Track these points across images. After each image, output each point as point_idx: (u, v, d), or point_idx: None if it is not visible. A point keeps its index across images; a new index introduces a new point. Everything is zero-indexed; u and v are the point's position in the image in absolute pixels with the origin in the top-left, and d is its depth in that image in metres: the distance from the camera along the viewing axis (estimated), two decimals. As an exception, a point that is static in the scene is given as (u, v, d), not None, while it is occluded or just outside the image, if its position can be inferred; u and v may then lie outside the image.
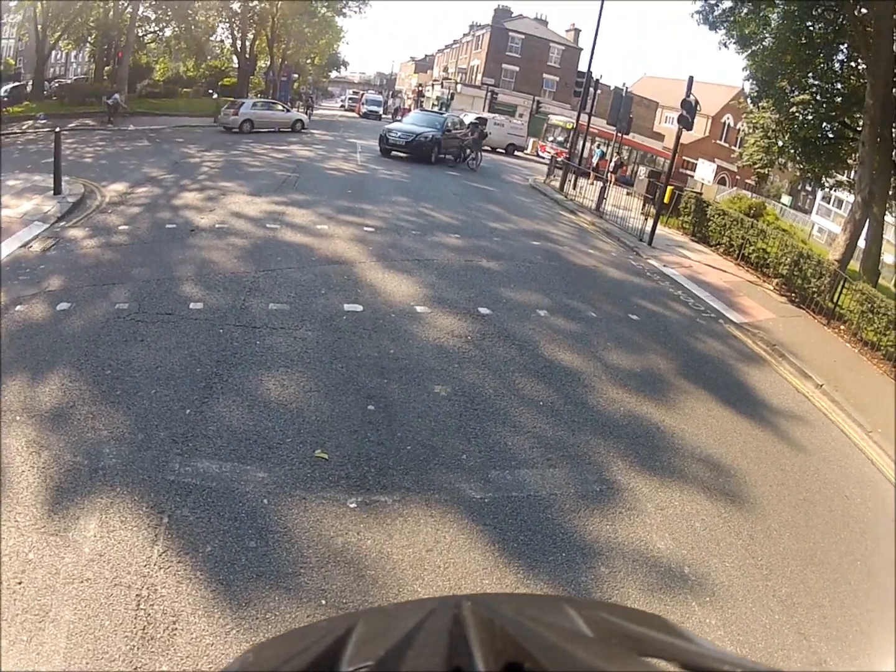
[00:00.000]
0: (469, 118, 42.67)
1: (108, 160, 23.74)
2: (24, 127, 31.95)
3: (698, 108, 23.68)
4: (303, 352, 9.46)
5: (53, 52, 50.67)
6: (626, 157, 47.98)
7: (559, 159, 38.79)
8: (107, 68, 50.45)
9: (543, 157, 51.09)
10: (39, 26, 45.47)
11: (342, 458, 7.28)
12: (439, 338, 10.64)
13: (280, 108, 45.51)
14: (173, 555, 5.68)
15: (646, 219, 23.82)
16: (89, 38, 52.45)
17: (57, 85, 48.00)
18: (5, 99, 36.23)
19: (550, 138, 53.95)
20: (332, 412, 8.11)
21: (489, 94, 70.45)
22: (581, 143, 35.27)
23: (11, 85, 42.16)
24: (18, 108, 36.50)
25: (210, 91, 57.41)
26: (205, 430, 7.39)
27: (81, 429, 7.19)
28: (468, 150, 35.21)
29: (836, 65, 24.98)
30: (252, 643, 4.83)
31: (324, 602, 5.46)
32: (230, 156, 27.05)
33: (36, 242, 13.18)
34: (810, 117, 25.44)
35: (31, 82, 44.97)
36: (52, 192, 16.84)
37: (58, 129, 17.75)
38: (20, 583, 5.17)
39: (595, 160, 36.43)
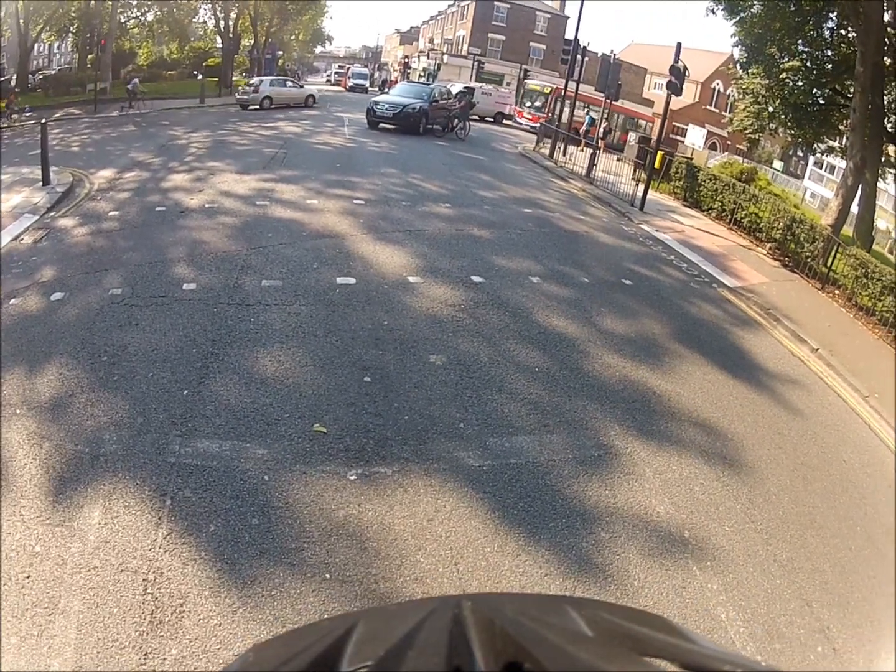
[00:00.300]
0: (456, 88, 42.28)
1: (95, 147, 23.68)
2: (10, 120, 31.78)
3: (687, 74, 23.59)
4: (297, 327, 9.48)
5: (36, 45, 50.45)
6: (614, 124, 47.65)
7: (541, 125, 38.78)
8: (90, 56, 50.11)
9: (521, 123, 51.29)
10: (21, 21, 45.25)
11: (340, 431, 7.31)
12: (433, 307, 10.64)
13: (292, 84, 47.18)
14: (178, 537, 5.72)
15: (637, 184, 23.76)
16: (72, 29, 52.18)
17: (41, 77, 47.79)
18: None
19: (528, 104, 53.13)
20: (329, 385, 8.15)
21: (476, 63, 70.02)
22: (570, 109, 35.00)
23: (-6, 80, 41.96)
24: (2, 103, 36.31)
25: (195, 73, 56.94)
26: (203, 410, 7.43)
27: (81, 417, 7.22)
28: (456, 120, 34.98)
29: (826, 32, 24.72)
30: (255, 640, 4.87)
31: (328, 576, 5.50)
32: (217, 136, 26.96)
33: (27, 235, 13.16)
34: (801, 83, 25.22)
35: (14, 76, 44.72)
36: (40, 183, 16.80)
37: (43, 121, 17.72)
38: (28, 577, 5.21)
39: (585, 127, 36.27)
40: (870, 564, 7.29)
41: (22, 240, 12.87)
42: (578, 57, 32.20)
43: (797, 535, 7.37)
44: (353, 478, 6.65)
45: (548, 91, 49.66)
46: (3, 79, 43.43)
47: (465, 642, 0.72)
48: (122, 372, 8.07)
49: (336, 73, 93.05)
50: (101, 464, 6.52)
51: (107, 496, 6.11)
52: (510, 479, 7.01)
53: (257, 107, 40.48)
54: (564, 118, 41.15)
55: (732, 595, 6.22)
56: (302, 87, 48.71)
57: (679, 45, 22.70)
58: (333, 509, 6.23)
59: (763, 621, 6.02)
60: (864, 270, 16.30)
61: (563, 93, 34.37)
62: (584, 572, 6.08)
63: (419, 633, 0.76)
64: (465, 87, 44.03)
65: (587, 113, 39.99)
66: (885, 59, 20.78)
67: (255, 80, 44.76)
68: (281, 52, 78.46)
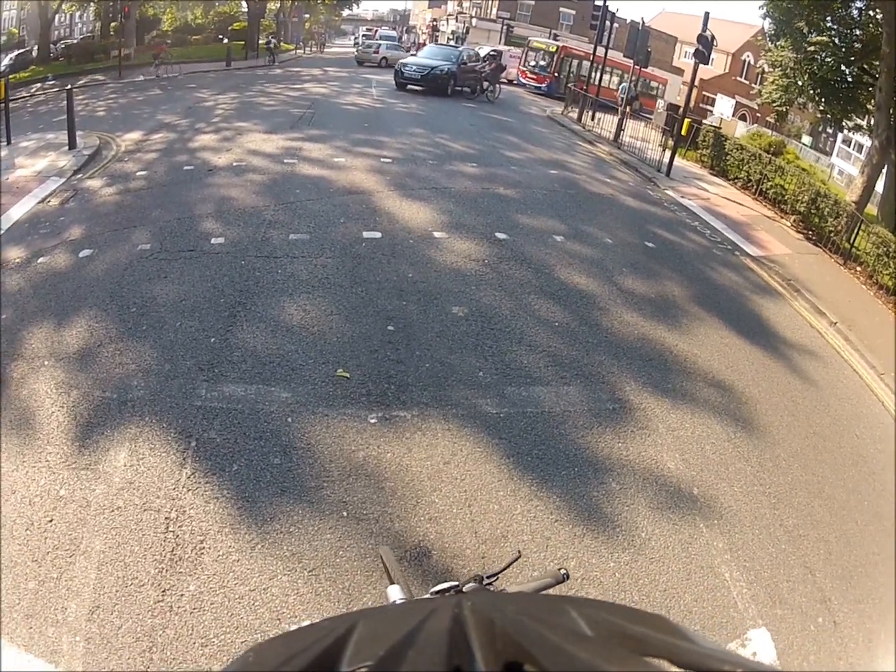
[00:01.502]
0: (484, 51, 41.80)
1: (121, 111, 23.50)
2: (32, 90, 31.66)
3: (715, 44, 23.26)
4: (323, 278, 9.57)
5: (57, 16, 50.16)
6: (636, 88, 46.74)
7: (543, 86, 38.45)
8: (113, 24, 49.82)
9: (528, 85, 49.01)
10: (41, -7, 45.04)
11: (363, 377, 7.45)
12: (457, 262, 10.70)
13: (405, 49, 52.67)
14: (201, 476, 5.86)
15: (664, 150, 23.56)
16: (92, -2, 51.96)
17: (63, 46, 47.58)
18: (6, 70, 35.73)
19: (532, 63, 49.89)
20: (353, 333, 8.26)
21: (505, 27, 69.30)
22: (598, 75, 34.54)
23: (16, 52, 41.65)
24: (25, 73, 36.13)
25: (220, 37, 56.65)
26: (230, 356, 7.57)
27: (109, 365, 7.36)
28: (486, 83, 34.66)
29: (854, 12, 24.36)
30: (270, 576, 5.01)
31: (345, 514, 5.62)
32: (244, 97, 26.80)
33: (53, 197, 13.20)
34: (829, 60, 24.68)
35: (36, 47, 44.52)
36: (66, 147, 16.79)
37: (69, 87, 17.66)
38: (51, 520, 5.34)
39: (621, 95, 35.71)
40: (875, 541, 7.29)
41: (49, 202, 12.91)
42: (607, 23, 31.94)
43: (805, 502, 7.39)
44: (373, 421, 6.78)
45: (554, 49, 47.89)
46: (23, 50, 43.35)
47: (465, 642, 0.74)
48: (150, 322, 8.19)
49: (364, 35, 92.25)
50: (128, 409, 6.66)
51: (133, 439, 6.25)
52: (526, 428, 7.11)
53: (375, 65, 48.40)
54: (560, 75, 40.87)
55: (737, 555, 6.28)
56: (408, 50, 53.36)
57: (707, 14, 22.40)
58: (353, 451, 6.36)
59: (766, 585, 6.07)
60: (885, 249, 16.12)
61: (603, 61, 33.56)
62: (594, 521, 6.16)
63: (419, 633, 0.78)
64: (493, 51, 43.47)
65: (624, 82, 39.25)
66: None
67: (374, 42, 54.30)
68: (308, 15, 78.00)
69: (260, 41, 55.19)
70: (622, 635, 0.79)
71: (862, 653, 5.91)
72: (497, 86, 34.96)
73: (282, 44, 61.30)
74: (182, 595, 4.79)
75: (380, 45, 51.00)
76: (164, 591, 4.80)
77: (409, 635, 0.77)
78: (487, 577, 2.63)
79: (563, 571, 2.69)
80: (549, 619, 0.81)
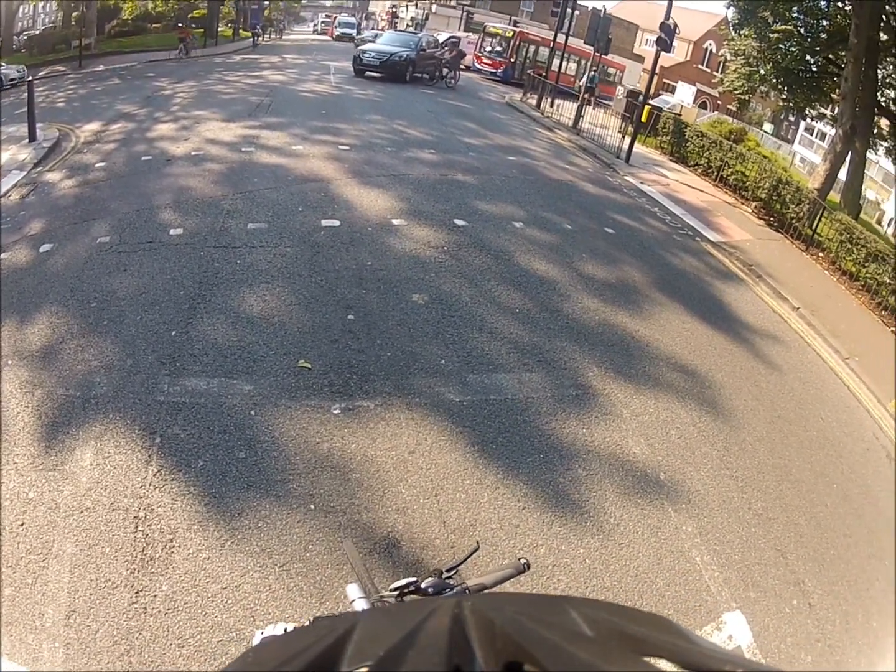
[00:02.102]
0: (443, 38, 41.69)
1: (81, 102, 23.27)
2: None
3: (677, 32, 23.33)
4: (282, 267, 9.56)
5: (21, 7, 49.71)
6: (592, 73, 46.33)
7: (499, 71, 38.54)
8: (74, 14, 49.43)
9: (484, 71, 48.65)
10: (5, -16, 44.53)
11: (325, 367, 7.46)
12: (416, 249, 10.72)
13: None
14: (167, 473, 5.85)
15: (623, 137, 23.68)
16: (56, -13, 51.41)
17: (25, 38, 47.12)
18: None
19: (488, 48, 49.94)
20: (314, 323, 8.27)
21: (465, 14, 69.16)
22: (559, 62, 34.50)
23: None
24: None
25: (180, 24, 56.18)
26: (191, 349, 7.55)
27: (71, 362, 7.31)
28: (445, 69, 34.61)
29: (822, 3, 24.50)
30: (241, 573, 5.03)
31: (312, 507, 5.66)
32: (203, 86, 26.57)
33: (14, 191, 13.08)
34: (794, 49, 24.82)
35: (0, 40, 44.09)
36: (27, 140, 16.66)
37: (30, 79, 17.66)
38: (22, 524, 5.31)
39: (587, 84, 35.54)
40: (846, 523, 7.42)
41: (9, 196, 12.80)
42: (568, 10, 31.92)
43: (773, 485, 7.50)
44: (336, 412, 6.80)
45: (510, 35, 47.56)
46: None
47: (465, 642, 0.73)
48: (111, 316, 8.14)
49: (323, 22, 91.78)
50: (91, 407, 6.63)
51: (98, 438, 6.22)
52: (489, 415, 7.16)
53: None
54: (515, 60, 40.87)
55: (707, 539, 6.38)
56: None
57: (670, 2, 22.47)
58: (318, 442, 6.38)
59: (738, 568, 6.16)
60: (849, 236, 16.34)
61: (563, 47, 33.62)
62: (561, 507, 6.23)
63: (419, 633, 0.77)
64: (451, 37, 43.35)
65: (592, 71, 38.99)
66: (881, 34, 20.68)
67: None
68: (267, 3, 77.50)
69: (219, 28, 54.93)
70: (622, 635, 0.79)
71: (859, 651, 6.00)
72: (456, 72, 34.85)
73: (241, 31, 60.97)
74: (155, 596, 4.80)
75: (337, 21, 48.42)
76: (137, 593, 4.81)
77: (409, 635, 0.77)
78: (447, 571, 2.67)
79: (523, 561, 2.72)
80: (548, 619, 0.81)
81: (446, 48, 35.27)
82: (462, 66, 36.43)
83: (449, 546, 5.52)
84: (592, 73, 34.63)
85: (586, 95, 28.84)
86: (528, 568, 2.72)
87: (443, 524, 5.73)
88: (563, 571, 5.59)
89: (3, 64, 31.37)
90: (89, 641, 4.47)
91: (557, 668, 0.66)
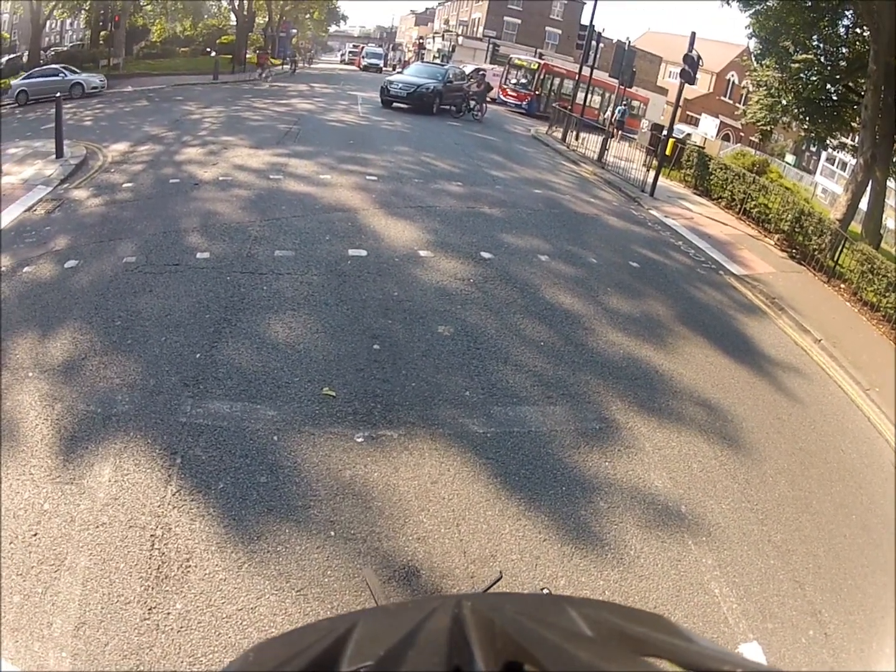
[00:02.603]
0: (468, 70, 41.77)
1: (109, 122, 23.53)
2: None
3: (701, 64, 23.42)
4: (309, 295, 9.54)
5: (49, 22, 50.09)
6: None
7: (524, 104, 38.73)
8: (103, 33, 49.81)
9: (507, 102, 48.27)
10: (34, -1, 45.00)
11: (349, 395, 7.41)
12: (442, 280, 10.69)
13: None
14: (186, 494, 5.82)
15: (647, 170, 23.58)
16: (84, 6, 51.78)
17: (53, 53, 47.50)
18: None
19: (514, 81, 49.30)
20: (339, 352, 8.24)
21: (491, 46, 69.48)
22: (584, 94, 34.56)
23: (7, 57, 41.67)
24: (15, 79, 36.22)
25: (208, 49, 56.50)
26: (215, 372, 7.53)
27: (93, 379, 7.32)
28: (472, 102, 34.46)
29: (841, 30, 24.48)
30: (258, 595, 4.98)
31: (332, 533, 5.60)
32: (231, 111, 26.77)
33: (40, 205, 13.21)
34: (814, 78, 24.80)
35: (27, 53, 44.44)
36: (53, 156, 16.79)
37: (58, 95, 17.72)
38: (35, 535, 5.30)
39: (618, 117, 35.51)
40: (864, 553, 7.33)
41: (35, 210, 12.93)
42: (593, 43, 32.01)
43: (793, 517, 7.41)
44: (360, 440, 6.75)
45: (535, 67, 47.17)
46: (14, 55, 43.28)
47: (465, 642, 0.73)
48: (135, 336, 8.16)
49: (350, 52, 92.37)
50: (112, 424, 6.62)
51: (118, 454, 6.21)
52: (513, 447, 7.10)
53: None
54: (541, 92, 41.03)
55: (727, 571, 6.29)
56: (62, 75, 49.72)
57: (693, 34, 22.56)
58: (340, 469, 6.33)
59: (756, 600, 6.08)
60: (870, 266, 16.18)
61: (589, 80, 33.57)
62: (582, 539, 6.15)
63: (419, 633, 0.77)
64: (477, 69, 43.46)
65: (622, 104, 38.86)
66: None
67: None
68: (295, 31, 78.11)
69: (248, 55, 55.46)
70: (622, 635, 0.78)
71: (859, 651, 5.98)
72: (484, 105, 34.79)
73: (270, 59, 61.69)
74: (169, 613, 4.75)
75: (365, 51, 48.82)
76: (150, 609, 4.76)
77: (409, 635, 0.76)
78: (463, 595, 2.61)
79: (545, 591, 2.67)
80: (548, 619, 0.81)
81: (473, 80, 35.28)
82: (488, 99, 36.46)
83: (469, 576, 5.46)
84: (623, 106, 34.68)
85: (615, 129, 28.91)
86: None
87: (463, 554, 5.67)
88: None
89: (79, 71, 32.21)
90: (97, 654, 4.44)
91: (557, 668, 0.66)
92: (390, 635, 0.77)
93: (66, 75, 33.73)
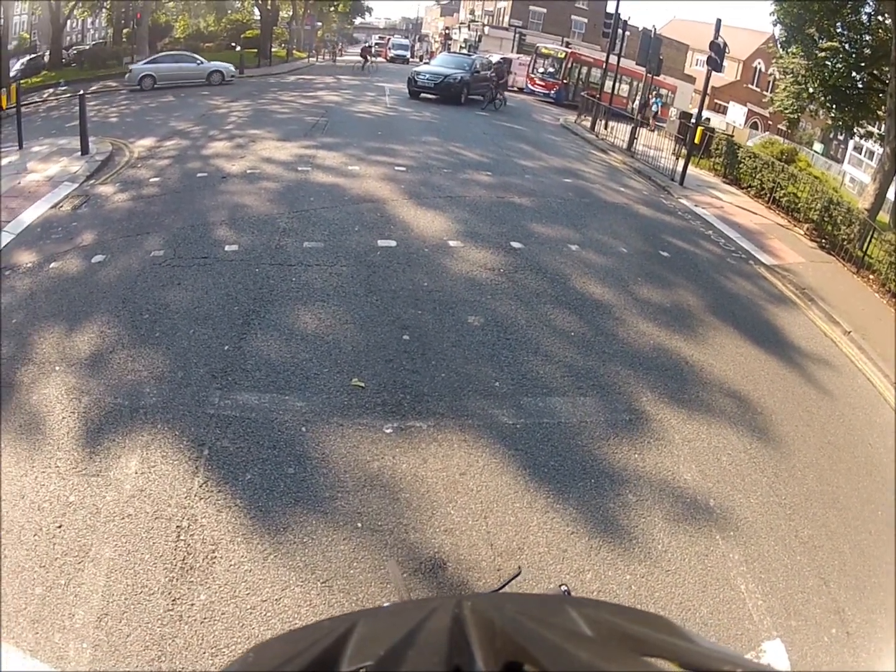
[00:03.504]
0: (495, 59, 41.75)
1: (134, 118, 23.68)
2: (44, 95, 31.75)
3: (727, 51, 23.33)
4: (338, 286, 9.56)
5: (69, 22, 50.30)
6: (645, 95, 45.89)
7: (552, 93, 38.76)
8: (125, 31, 50.02)
9: (535, 92, 48.19)
10: (53, -1, 45.17)
11: (378, 386, 7.41)
12: (472, 271, 10.67)
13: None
14: (213, 485, 5.83)
15: (677, 159, 23.57)
16: (105, 4, 51.98)
17: (75, 52, 47.75)
18: (17, 74, 35.92)
19: (541, 70, 49.10)
20: (368, 342, 8.24)
21: (517, 35, 69.39)
22: (612, 83, 34.45)
23: (28, 57, 41.89)
24: (37, 79, 36.27)
25: (233, 44, 56.72)
26: (243, 364, 7.56)
27: (121, 372, 7.35)
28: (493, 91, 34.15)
29: (864, 17, 24.35)
30: (283, 587, 4.98)
31: (359, 525, 5.59)
32: (257, 105, 26.84)
33: (66, 202, 13.27)
34: (840, 66, 24.72)
35: (48, 53, 44.66)
36: (79, 152, 16.87)
37: (82, 92, 17.76)
38: (60, 526, 5.33)
39: (655, 109, 35.44)
40: (888, 550, 7.22)
41: (61, 206, 12.98)
42: (619, 31, 31.92)
43: (820, 513, 7.34)
44: (388, 431, 6.74)
45: (562, 55, 47.16)
46: (35, 55, 43.50)
47: (465, 642, 0.74)
48: (163, 329, 8.19)
49: (376, 44, 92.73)
50: (139, 416, 6.64)
51: (145, 447, 6.23)
52: (542, 438, 7.06)
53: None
54: (569, 82, 41.10)
55: (753, 567, 6.24)
56: (197, 63, 50.68)
57: (719, 20, 22.45)
58: (368, 461, 6.32)
59: (781, 596, 6.02)
60: (898, 256, 16.00)
61: (616, 68, 33.57)
62: (610, 533, 6.12)
63: (419, 633, 0.78)
64: (502, 58, 43.40)
65: (656, 96, 38.74)
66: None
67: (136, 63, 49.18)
68: (320, 24, 78.29)
69: (273, 49, 55.57)
70: (622, 635, 0.79)
71: (880, 654, 5.91)
72: (501, 93, 34.53)
73: (294, 51, 61.82)
74: (193, 604, 4.76)
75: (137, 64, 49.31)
76: (174, 600, 4.77)
77: (409, 635, 0.77)
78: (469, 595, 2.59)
79: (564, 588, 2.66)
80: (548, 619, 0.81)
81: (491, 71, 35.09)
82: (514, 87, 36.27)
83: (495, 569, 5.43)
84: (655, 97, 34.57)
85: (651, 119, 28.83)
86: (569, 595, 2.64)
87: (490, 546, 5.64)
88: (608, 597, 5.48)
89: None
90: (119, 645, 4.46)
91: (557, 668, 0.66)
92: (390, 635, 0.78)
93: (201, 62, 35.53)
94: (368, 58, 49.85)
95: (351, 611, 4.81)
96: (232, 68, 36.32)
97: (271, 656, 0.86)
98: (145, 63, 33.85)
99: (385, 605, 2.53)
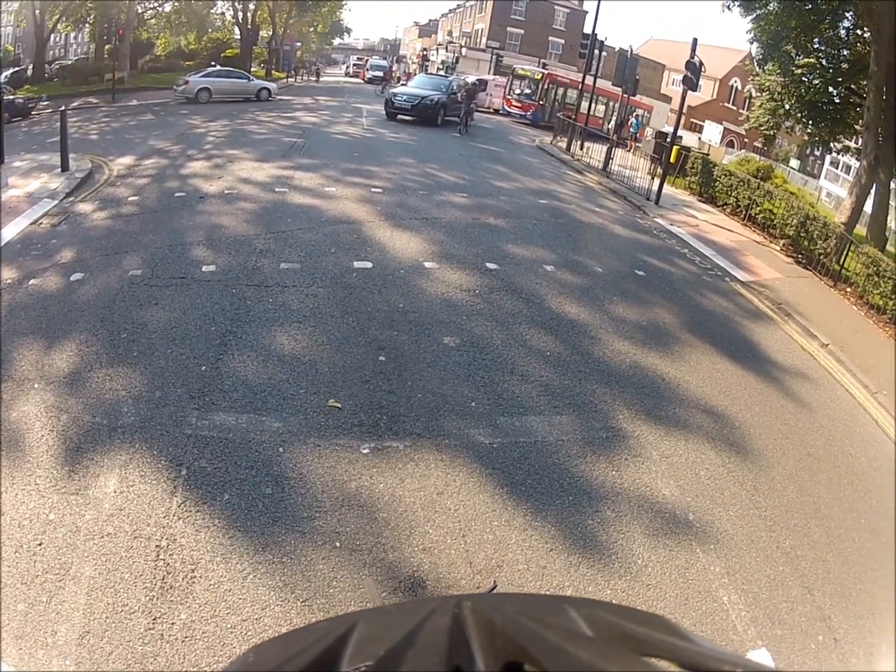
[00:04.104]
0: (471, 81, 41.83)
1: (114, 135, 23.69)
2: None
3: (703, 70, 23.46)
4: (314, 307, 9.58)
5: (52, 36, 50.21)
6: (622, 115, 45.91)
7: (528, 114, 39.07)
8: (107, 47, 49.97)
9: (511, 113, 48.28)
10: (37, 11, 44.93)
11: (355, 407, 7.41)
12: (448, 292, 10.71)
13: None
14: (192, 505, 5.83)
15: (652, 178, 23.67)
16: (88, 19, 51.94)
17: (57, 67, 47.70)
18: (5, 86, 35.98)
19: (517, 91, 49.14)
20: (345, 363, 8.25)
21: (494, 57, 69.64)
22: (588, 104, 34.56)
23: (11, 70, 41.87)
24: (20, 93, 36.32)
25: (213, 63, 56.54)
26: (221, 384, 7.55)
27: (99, 391, 7.34)
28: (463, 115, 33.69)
29: (842, 31, 24.58)
30: (262, 606, 4.99)
31: (338, 544, 5.59)
32: (235, 125, 26.90)
33: (45, 219, 13.26)
34: (816, 82, 24.97)
35: (31, 66, 44.60)
36: (59, 169, 16.85)
37: (63, 108, 17.81)
38: (40, 544, 5.32)
39: (632, 130, 35.59)
40: (873, 557, 7.28)
41: (41, 223, 12.96)
42: (596, 52, 32.07)
43: (801, 523, 7.37)
44: (365, 451, 6.75)
45: (539, 77, 47.20)
46: (19, 68, 43.45)
47: (465, 642, 0.74)
48: (141, 348, 8.18)
49: (354, 64, 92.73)
50: (118, 435, 6.64)
51: (123, 466, 6.22)
52: (519, 457, 7.08)
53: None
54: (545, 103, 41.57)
55: (735, 578, 6.26)
56: (247, 80, 52.28)
57: (695, 40, 22.57)
58: (346, 481, 6.33)
59: (765, 606, 6.04)
60: (875, 269, 16.11)
61: (592, 89, 33.67)
62: (589, 549, 6.14)
63: (419, 633, 0.78)
64: (477, 80, 43.52)
65: (636, 117, 38.86)
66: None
67: (191, 75, 50.47)
68: (300, 44, 78.45)
69: (252, 68, 55.70)
70: (622, 635, 0.79)
71: (862, 646, 5.96)
72: (467, 117, 33.58)
73: (273, 71, 62.02)
74: (173, 623, 4.76)
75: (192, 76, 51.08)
76: (154, 619, 4.76)
77: (409, 635, 0.77)
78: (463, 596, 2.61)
79: None
80: (548, 619, 0.81)
81: (462, 93, 34.99)
82: (490, 109, 36.34)
83: (475, 587, 5.43)
84: (635, 117, 34.74)
85: (630, 140, 29.00)
86: None
87: (469, 565, 5.65)
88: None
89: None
90: (101, 663, 4.45)
91: (557, 668, 0.66)
92: (390, 635, 0.77)
93: (250, 79, 39.15)
94: (389, 79, 50.35)
95: (327, 619, 4.87)
96: (276, 87, 39.14)
97: (271, 657, 0.88)
98: (201, 76, 36.17)
99: (385, 605, 2.56)
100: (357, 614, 0.89)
